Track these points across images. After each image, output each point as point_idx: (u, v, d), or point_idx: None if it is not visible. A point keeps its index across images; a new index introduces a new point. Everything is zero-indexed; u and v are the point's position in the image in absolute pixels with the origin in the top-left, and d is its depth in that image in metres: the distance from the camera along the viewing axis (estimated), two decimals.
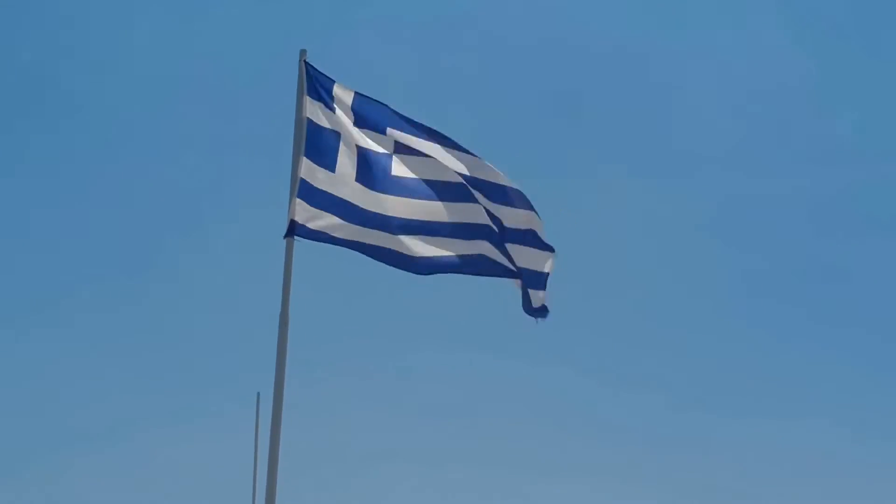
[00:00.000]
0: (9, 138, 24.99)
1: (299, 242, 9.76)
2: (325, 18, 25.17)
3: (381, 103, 10.48)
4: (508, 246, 10.44)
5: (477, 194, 10.42)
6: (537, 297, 10.49)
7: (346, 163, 10.15)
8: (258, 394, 10.06)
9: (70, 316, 23.20)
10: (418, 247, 10.20)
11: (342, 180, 10.07)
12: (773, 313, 24.72)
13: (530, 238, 10.55)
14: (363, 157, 10.23)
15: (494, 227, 10.41)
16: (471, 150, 10.58)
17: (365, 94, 10.44)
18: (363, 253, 10.09)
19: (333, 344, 21.44)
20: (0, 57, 25.18)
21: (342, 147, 10.18)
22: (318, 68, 10.30)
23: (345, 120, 10.27)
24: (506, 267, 10.44)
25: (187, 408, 21.04)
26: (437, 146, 10.49)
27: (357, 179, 10.15)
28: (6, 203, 24.42)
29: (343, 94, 10.31)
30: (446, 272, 10.40)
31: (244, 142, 24.32)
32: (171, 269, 24.28)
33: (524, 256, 10.50)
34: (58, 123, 25.33)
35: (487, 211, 10.41)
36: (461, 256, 10.35)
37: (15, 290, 23.27)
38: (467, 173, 10.47)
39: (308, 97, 10.13)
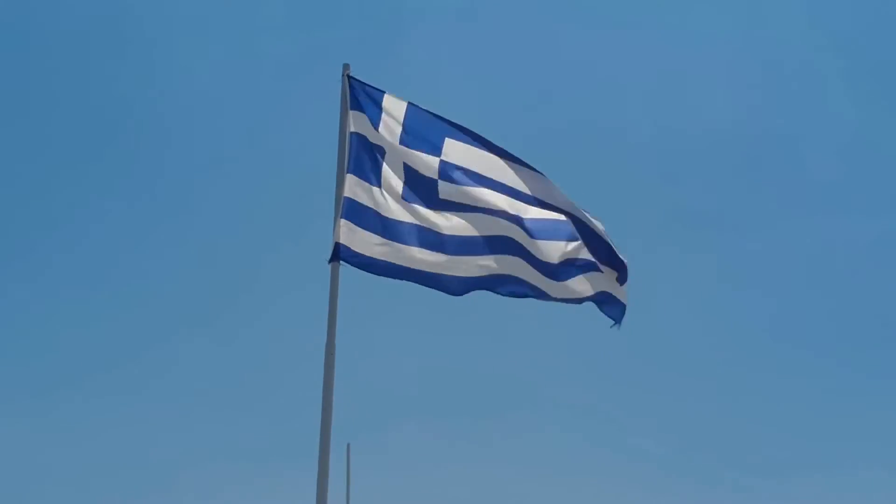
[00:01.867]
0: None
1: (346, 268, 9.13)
2: (372, 31, 24.49)
3: (436, 115, 9.84)
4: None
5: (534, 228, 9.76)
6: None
7: (390, 181, 9.52)
8: (348, 445, 9.43)
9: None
10: (472, 265, 9.56)
11: (387, 197, 9.45)
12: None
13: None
14: (411, 175, 9.60)
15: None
16: (533, 167, 9.91)
17: (418, 104, 9.81)
18: (413, 280, 9.44)
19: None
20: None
21: (388, 164, 9.55)
22: (363, 81, 9.70)
23: (391, 136, 9.64)
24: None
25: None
26: (497, 158, 9.81)
27: (405, 197, 9.52)
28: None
29: (394, 106, 9.69)
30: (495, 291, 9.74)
31: (289, 161, 23.60)
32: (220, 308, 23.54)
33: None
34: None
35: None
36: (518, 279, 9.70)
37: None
38: (528, 193, 9.80)
39: (352, 111, 9.52)
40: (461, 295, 9.57)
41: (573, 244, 9.68)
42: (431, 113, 9.77)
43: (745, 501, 20.58)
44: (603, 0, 25.57)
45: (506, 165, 9.82)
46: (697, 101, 25.08)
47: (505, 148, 9.82)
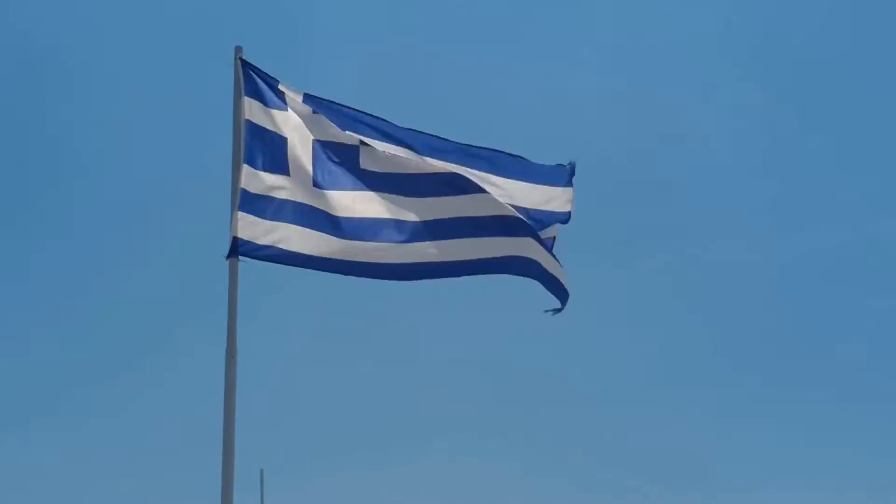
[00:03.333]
0: None
1: (245, 263, 8.44)
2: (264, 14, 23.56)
3: (336, 103, 9.20)
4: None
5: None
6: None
7: (299, 165, 8.85)
8: (262, 471, 8.71)
9: None
10: (399, 251, 8.91)
11: (296, 183, 8.78)
12: None
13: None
14: (322, 152, 8.95)
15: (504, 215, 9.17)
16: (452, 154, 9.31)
17: (314, 94, 9.18)
18: (323, 269, 8.78)
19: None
20: None
21: (292, 148, 8.88)
22: (257, 66, 9.03)
23: (294, 116, 8.97)
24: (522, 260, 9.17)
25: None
26: (410, 152, 9.21)
27: (315, 182, 8.85)
28: None
29: (291, 92, 9.05)
30: (436, 277, 9.14)
31: (182, 151, 22.58)
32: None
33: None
34: None
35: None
36: (459, 260, 9.06)
37: None
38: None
39: (247, 98, 8.84)
40: (412, 280, 9.05)
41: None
42: (331, 101, 9.17)
43: None
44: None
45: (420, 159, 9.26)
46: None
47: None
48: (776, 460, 20.35)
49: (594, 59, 24.37)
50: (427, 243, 8.97)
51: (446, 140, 9.34)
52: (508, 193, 9.26)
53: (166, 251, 22.32)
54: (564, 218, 9.36)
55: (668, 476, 19.77)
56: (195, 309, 19.82)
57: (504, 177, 9.36)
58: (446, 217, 9.07)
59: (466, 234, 9.07)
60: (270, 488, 8.92)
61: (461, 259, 9.10)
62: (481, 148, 9.40)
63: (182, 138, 22.39)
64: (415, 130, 9.32)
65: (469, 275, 9.18)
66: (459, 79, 23.60)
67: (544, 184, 9.42)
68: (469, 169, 9.26)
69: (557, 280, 9.13)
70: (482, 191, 9.11)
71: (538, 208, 9.31)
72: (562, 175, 9.46)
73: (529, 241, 9.10)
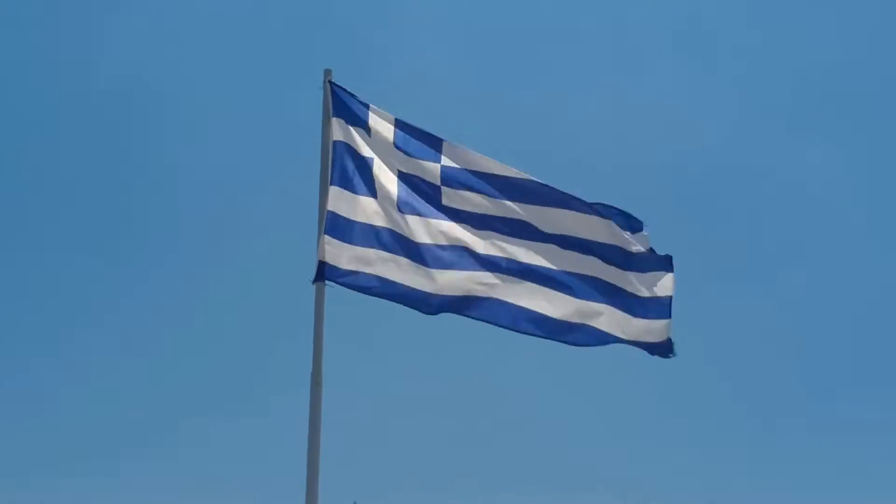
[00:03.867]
0: None
1: (332, 288, 8.25)
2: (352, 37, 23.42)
3: (428, 133, 8.99)
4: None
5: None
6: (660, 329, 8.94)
7: (386, 189, 8.66)
8: (354, 503, 8.49)
9: None
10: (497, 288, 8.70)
11: (383, 207, 8.59)
12: None
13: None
14: (407, 183, 8.75)
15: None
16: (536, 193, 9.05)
17: (407, 121, 8.98)
18: (403, 303, 8.55)
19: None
20: None
21: (379, 172, 8.69)
22: (346, 89, 8.87)
23: (381, 146, 8.79)
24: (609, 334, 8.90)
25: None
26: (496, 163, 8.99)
27: (400, 208, 8.65)
28: None
29: (382, 116, 8.86)
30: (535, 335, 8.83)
31: (269, 173, 22.44)
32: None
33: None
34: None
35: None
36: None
37: None
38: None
39: (335, 119, 8.67)
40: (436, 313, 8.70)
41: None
42: (421, 129, 8.96)
43: None
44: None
45: (505, 170, 9.01)
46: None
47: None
48: None
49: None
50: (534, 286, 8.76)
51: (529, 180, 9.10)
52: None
53: (253, 274, 22.21)
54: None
55: None
56: (281, 335, 19.65)
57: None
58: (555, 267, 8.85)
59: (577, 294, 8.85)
60: None
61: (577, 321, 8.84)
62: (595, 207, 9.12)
63: (270, 160, 22.35)
64: (509, 178, 9.08)
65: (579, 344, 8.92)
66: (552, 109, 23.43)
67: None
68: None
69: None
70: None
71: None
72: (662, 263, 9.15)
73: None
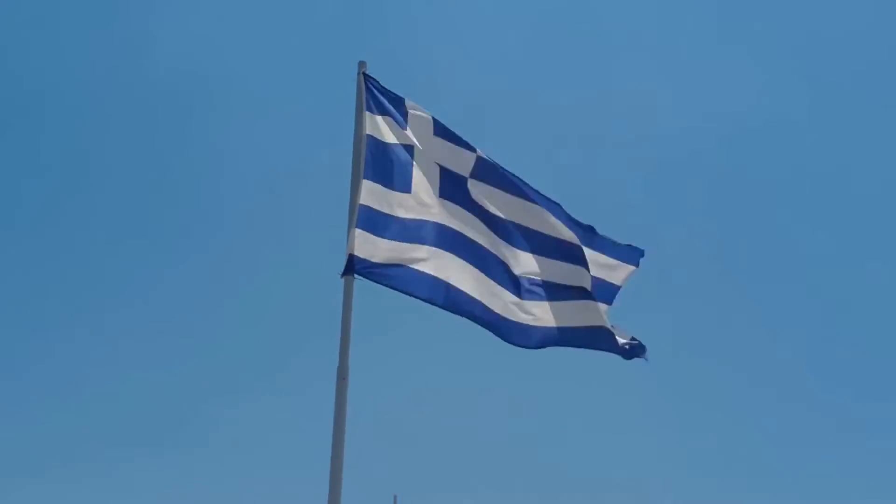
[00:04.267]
0: None
1: (361, 282, 8.18)
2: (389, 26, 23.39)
3: (461, 139, 8.92)
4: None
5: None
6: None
7: (423, 180, 8.59)
8: (395, 496, 8.42)
9: None
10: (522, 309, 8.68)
11: (419, 200, 8.51)
12: None
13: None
14: (446, 172, 8.68)
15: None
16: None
17: (442, 121, 8.90)
18: (438, 304, 8.46)
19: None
20: None
21: (417, 163, 8.62)
22: (380, 82, 8.80)
23: (422, 133, 8.71)
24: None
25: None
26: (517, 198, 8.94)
27: (441, 195, 8.58)
28: None
29: (418, 111, 8.79)
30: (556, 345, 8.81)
31: (302, 165, 22.36)
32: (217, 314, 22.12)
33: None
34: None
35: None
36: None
37: None
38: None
39: (368, 113, 8.60)
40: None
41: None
42: (455, 134, 8.90)
43: None
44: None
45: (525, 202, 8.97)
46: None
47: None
48: None
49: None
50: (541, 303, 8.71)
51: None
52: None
53: (282, 266, 22.18)
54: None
55: None
56: (310, 328, 19.63)
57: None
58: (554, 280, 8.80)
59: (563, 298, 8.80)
60: None
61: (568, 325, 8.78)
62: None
63: (303, 153, 22.32)
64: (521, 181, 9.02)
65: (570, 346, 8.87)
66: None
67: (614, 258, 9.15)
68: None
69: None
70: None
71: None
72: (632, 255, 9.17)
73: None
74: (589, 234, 9.04)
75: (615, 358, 8.87)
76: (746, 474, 20.23)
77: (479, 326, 8.54)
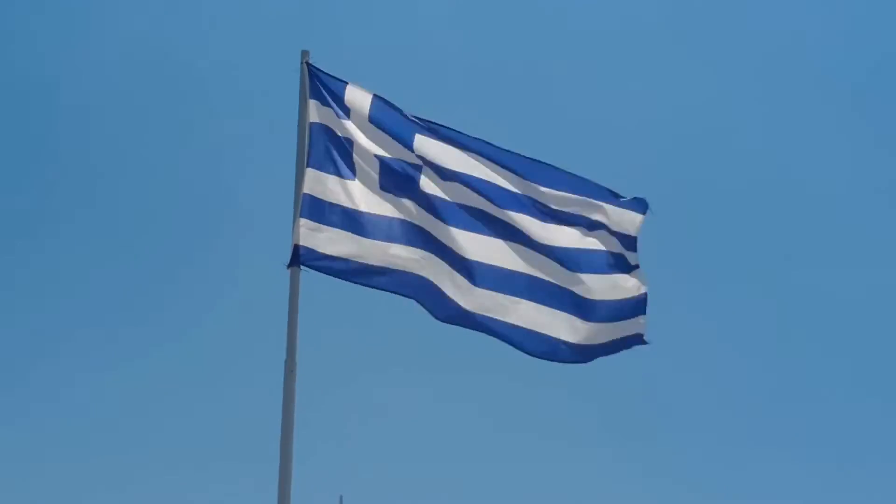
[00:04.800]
0: None
1: (308, 273, 8.05)
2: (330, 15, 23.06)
3: (403, 112, 8.75)
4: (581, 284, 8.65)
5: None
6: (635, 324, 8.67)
7: (366, 170, 8.45)
8: (340, 497, 8.28)
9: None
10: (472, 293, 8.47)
11: (362, 189, 8.37)
12: None
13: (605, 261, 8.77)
14: (386, 165, 8.53)
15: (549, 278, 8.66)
16: (519, 164, 8.80)
17: (384, 97, 8.74)
18: (385, 289, 8.34)
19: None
20: None
21: (358, 155, 8.49)
22: (324, 70, 8.66)
23: (358, 126, 8.58)
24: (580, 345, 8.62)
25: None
26: (472, 156, 8.71)
27: (382, 187, 8.44)
28: None
29: (359, 96, 8.62)
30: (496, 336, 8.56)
31: (245, 155, 22.07)
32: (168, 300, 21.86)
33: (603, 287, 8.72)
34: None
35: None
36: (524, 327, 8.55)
37: None
38: (515, 191, 8.75)
39: (313, 101, 8.46)
40: (441, 320, 8.48)
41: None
42: (398, 109, 8.72)
43: None
44: None
45: (480, 164, 8.74)
46: None
47: (483, 138, 8.76)
48: None
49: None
50: (509, 297, 8.52)
51: (517, 155, 8.86)
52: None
53: (229, 259, 21.91)
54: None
55: None
56: (257, 320, 19.38)
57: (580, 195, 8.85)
58: (528, 273, 8.58)
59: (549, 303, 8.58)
60: None
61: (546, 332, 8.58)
62: (556, 169, 8.93)
63: (246, 142, 22.06)
64: (483, 140, 8.86)
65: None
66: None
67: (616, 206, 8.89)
68: (549, 189, 8.79)
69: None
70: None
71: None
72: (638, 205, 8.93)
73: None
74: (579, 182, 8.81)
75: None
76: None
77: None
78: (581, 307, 8.59)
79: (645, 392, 20.99)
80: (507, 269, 8.58)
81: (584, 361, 8.67)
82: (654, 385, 20.86)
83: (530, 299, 8.52)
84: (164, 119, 23.00)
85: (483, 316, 8.45)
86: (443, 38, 23.39)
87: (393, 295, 8.39)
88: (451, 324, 8.44)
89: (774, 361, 21.90)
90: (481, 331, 8.48)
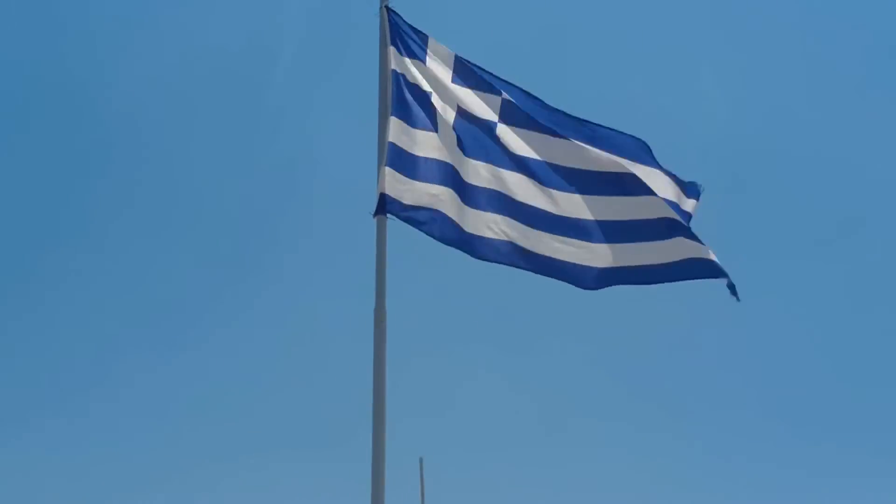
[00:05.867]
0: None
1: (394, 222, 7.85)
2: None
3: (487, 72, 8.57)
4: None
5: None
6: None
7: (446, 124, 8.25)
8: (420, 459, 8.13)
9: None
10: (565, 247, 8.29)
11: (444, 143, 8.17)
12: None
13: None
14: (461, 119, 8.32)
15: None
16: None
17: (466, 58, 8.56)
18: (467, 251, 8.15)
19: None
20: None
21: (439, 106, 8.29)
22: (405, 19, 8.47)
23: (441, 76, 8.39)
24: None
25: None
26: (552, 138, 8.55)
27: (459, 146, 8.24)
28: None
29: (441, 53, 8.46)
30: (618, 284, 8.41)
31: (328, 105, 21.72)
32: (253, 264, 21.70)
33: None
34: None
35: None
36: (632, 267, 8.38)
37: None
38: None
39: (393, 48, 8.27)
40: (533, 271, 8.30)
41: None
42: (480, 68, 8.55)
43: None
44: None
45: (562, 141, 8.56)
46: None
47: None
48: None
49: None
50: (596, 245, 8.33)
51: (584, 122, 8.67)
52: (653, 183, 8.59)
53: (314, 211, 21.62)
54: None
55: None
56: (343, 271, 19.10)
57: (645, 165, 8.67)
58: (609, 219, 8.39)
59: (633, 238, 8.39)
60: (430, 477, 8.33)
61: (637, 264, 8.39)
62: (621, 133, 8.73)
63: (327, 91, 21.74)
64: (561, 112, 8.67)
65: (648, 283, 8.46)
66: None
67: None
68: (613, 156, 8.58)
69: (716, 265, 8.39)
70: (644, 193, 8.45)
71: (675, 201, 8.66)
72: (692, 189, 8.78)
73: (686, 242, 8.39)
74: (642, 149, 8.63)
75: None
76: None
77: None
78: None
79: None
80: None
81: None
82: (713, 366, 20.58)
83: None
84: (241, 70, 22.76)
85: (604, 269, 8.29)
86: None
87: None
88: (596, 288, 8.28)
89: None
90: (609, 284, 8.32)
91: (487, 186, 8.26)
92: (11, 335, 20.84)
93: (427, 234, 7.96)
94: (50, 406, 19.40)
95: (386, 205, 7.72)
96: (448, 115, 8.31)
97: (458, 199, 8.09)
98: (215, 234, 21.76)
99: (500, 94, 8.48)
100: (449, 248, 8.03)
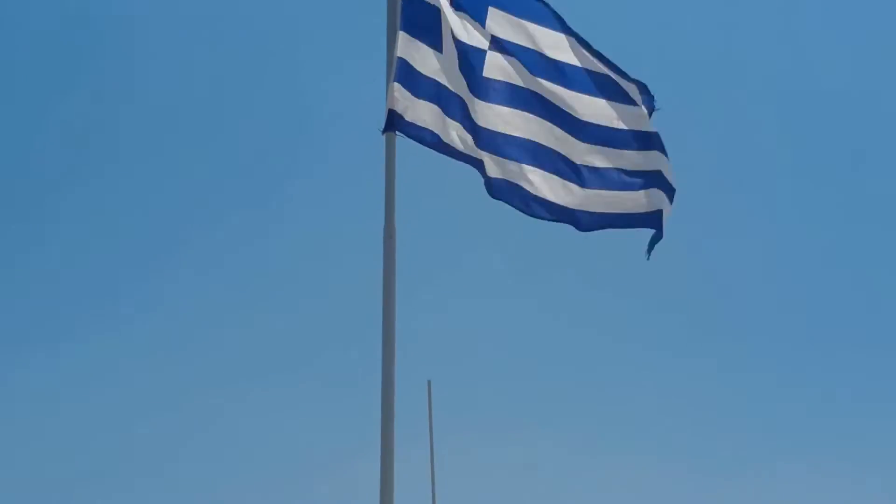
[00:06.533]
0: None
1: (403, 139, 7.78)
2: None
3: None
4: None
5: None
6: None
7: (451, 47, 8.12)
8: (429, 382, 8.11)
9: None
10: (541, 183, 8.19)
11: (450, 67, 8.05)
12: None
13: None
14: (459, 48, 8.19)
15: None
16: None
17: None
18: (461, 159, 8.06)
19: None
20: None
21: (444, 24, 8.16)
22: None
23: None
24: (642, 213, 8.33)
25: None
26: (552, 32, 8.37)
27: (461, 69, 8.10)
28: None
29: None
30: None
31: (330, 18, 21.56)
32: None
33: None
34: None
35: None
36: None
37: None
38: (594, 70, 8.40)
39: None
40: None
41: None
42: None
43: None
44: None
45: (565, 39, 8.41)
46: None
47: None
48: None
49: None
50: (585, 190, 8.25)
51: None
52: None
53: (320, 128, 21.50)
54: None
55: None
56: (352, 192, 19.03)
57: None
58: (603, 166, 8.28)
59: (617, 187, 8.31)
60: (437, 400, 8.34)
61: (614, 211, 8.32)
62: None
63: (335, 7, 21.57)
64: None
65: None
66: None
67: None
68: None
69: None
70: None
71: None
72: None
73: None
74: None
75: None
76: None
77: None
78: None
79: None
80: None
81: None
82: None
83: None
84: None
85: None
86: None
87: None
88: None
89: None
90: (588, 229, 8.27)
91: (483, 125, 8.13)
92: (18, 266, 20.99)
93: (429, 147, 7.87)
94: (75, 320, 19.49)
95: (395, 122, 7.64)
96: (449, 38, 8.17)
97: (454, 122, 7.99)
98: (225, 156, 21.77)
99: (483, 26, 8.28)
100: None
